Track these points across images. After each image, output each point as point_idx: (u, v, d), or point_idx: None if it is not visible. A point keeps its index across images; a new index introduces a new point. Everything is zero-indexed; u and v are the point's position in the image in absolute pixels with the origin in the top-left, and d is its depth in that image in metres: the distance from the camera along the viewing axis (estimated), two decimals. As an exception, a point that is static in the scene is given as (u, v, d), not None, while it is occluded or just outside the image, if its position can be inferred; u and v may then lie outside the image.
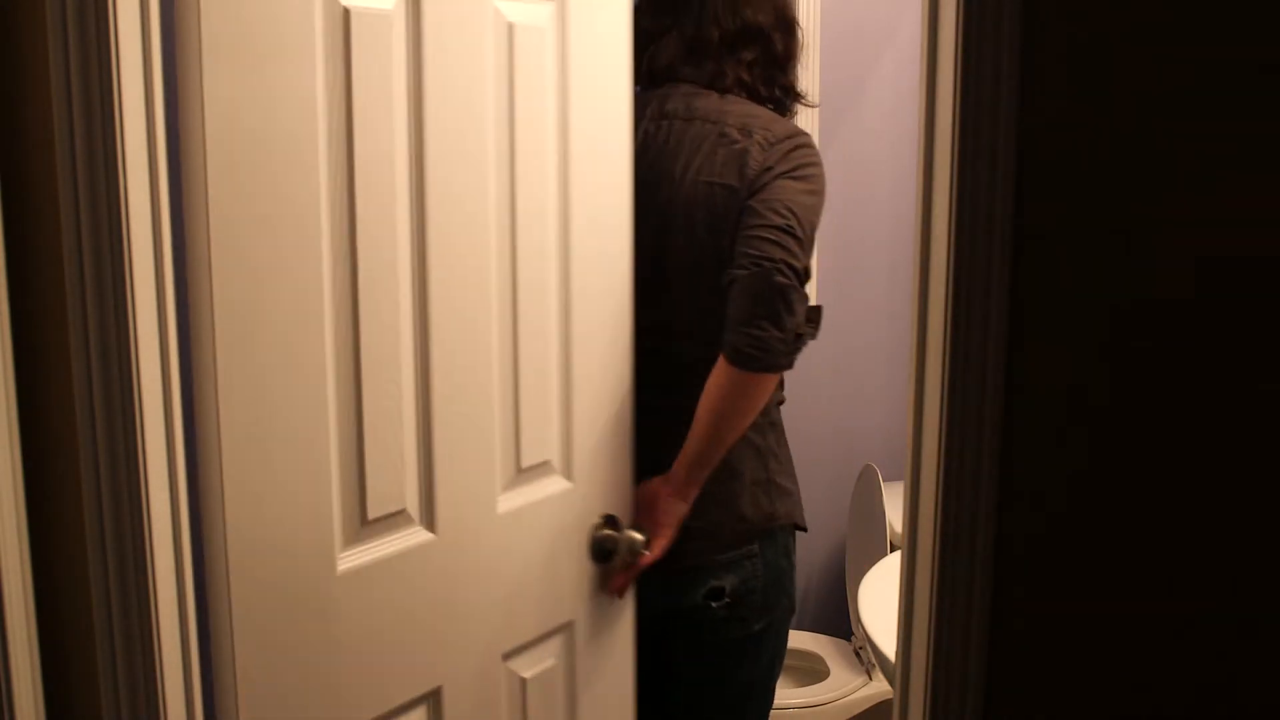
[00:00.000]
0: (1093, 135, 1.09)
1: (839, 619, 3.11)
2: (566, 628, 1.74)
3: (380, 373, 1.42)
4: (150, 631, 1.13)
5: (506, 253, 1.57)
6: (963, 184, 1.10)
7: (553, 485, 1.68)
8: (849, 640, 2.94)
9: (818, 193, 1.79)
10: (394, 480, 1.45)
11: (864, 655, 2.82)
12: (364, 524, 1.42)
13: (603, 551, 1.75)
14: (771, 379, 1.76)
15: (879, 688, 2.74)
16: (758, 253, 1.70)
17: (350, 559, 1.41)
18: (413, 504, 1.48)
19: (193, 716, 1.19)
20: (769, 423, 1.90)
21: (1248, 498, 1.14)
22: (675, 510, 1.78)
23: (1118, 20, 1.07)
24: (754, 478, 1.87)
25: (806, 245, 1.73)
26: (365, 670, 1.46)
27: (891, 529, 2.67)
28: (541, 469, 1.66)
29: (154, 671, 1.13)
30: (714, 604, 1.86)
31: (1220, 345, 1.12)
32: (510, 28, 1.52)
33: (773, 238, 1.70)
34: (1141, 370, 1.13)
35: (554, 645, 1.73)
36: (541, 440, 1.66)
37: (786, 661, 2.92)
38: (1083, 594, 1.17)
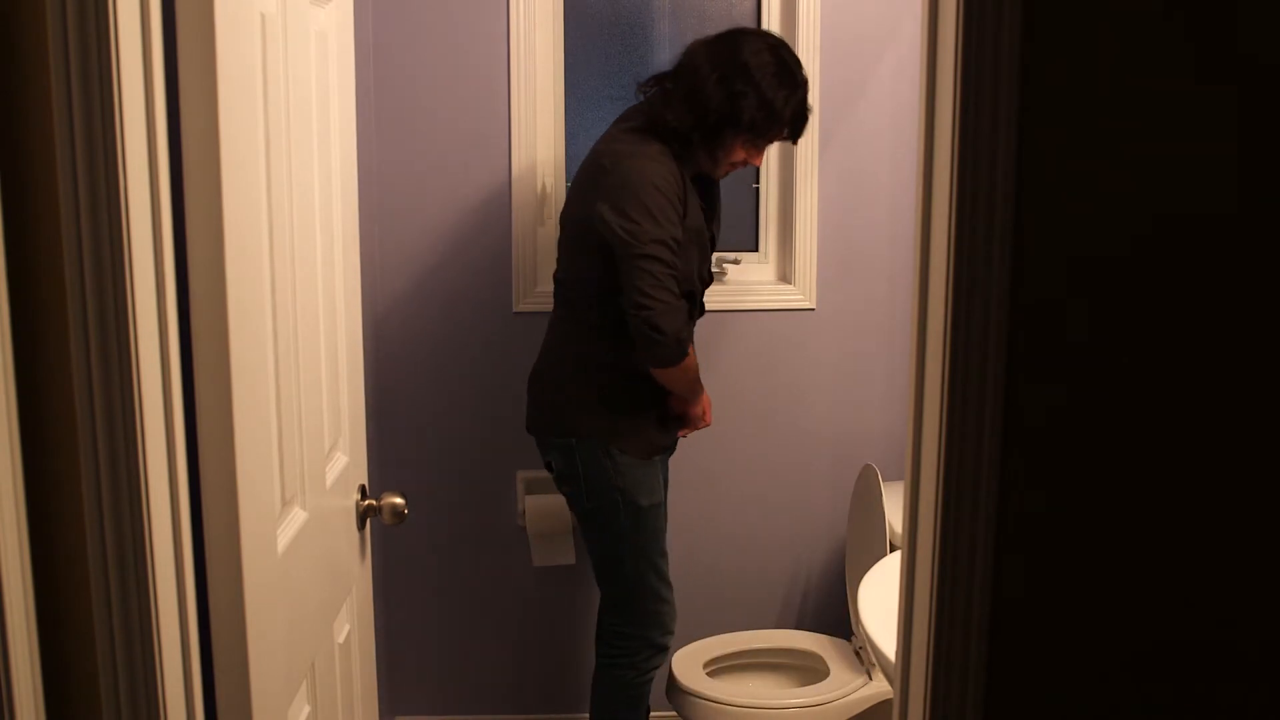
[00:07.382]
0: (1093, 131, 1.09)
1: (839, 619, 3.11)
2: (350, 594, 1.85)
3: (288, 361, 1.51)
4: (150, 631, 1.13)
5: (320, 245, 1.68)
6: (963, 184, 1.10)
7: (339, 460, 1.78)
8: (849, 640, 2.94)
9: (626, 185, 2.26)
10: (294, 467, 1.54)
11: (864, 655, 2.82)
12: (283, 506, 1.51)
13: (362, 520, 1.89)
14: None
15: (879, 688, 2.74)
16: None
17: (280, 539, 1.48)
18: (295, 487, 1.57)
19: (193, 716, 1.20)
20: (600, 365, 2.44)
21: (1252, 502, 1.14)
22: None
23: (1111, 12, 1.08)
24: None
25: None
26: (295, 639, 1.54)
27: (891, 529, 2.66)
28: (333, 446, 1.76)
29: (154, 671, 1.13)
30: (551, 474, 2.58)
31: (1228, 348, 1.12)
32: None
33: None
34: (1141, 372, 1.13)
35: (344, 613, 1.83)
36: (334, 420, 1.75)
37: (786, 660, 2.94)
38: (1083, 594, 1.17)
